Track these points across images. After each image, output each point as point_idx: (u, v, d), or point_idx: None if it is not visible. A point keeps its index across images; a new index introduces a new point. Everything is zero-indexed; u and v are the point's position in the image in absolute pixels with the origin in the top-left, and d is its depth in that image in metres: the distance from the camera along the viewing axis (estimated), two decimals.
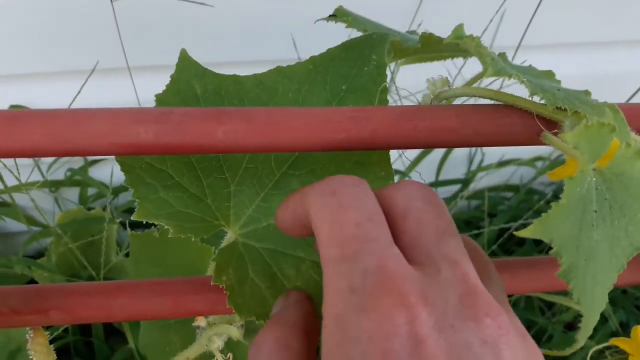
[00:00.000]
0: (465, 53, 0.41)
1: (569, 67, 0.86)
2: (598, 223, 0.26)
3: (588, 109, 0.30)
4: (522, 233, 0.23)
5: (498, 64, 0.30)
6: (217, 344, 0.39)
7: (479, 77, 0.35)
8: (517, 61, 0.81)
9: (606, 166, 0.27)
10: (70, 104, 0.64)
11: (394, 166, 0.88)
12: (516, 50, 0.72)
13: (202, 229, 0.34)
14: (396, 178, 0.95)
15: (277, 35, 0.66)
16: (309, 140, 0.30)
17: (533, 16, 0.67)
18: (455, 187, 1.00)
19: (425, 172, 0.94)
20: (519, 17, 0.74)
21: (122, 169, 0.34)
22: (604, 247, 0.26)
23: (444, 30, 0.73)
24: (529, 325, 0.97)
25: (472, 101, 0.34)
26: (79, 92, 0.62)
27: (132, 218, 0.33)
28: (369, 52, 0.36)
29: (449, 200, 0.97)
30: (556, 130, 0.31)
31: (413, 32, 0.48)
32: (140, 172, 0.34)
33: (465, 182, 0.97)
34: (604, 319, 0.95)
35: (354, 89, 0.36)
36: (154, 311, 0.34)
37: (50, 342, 0.91)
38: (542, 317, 0.96)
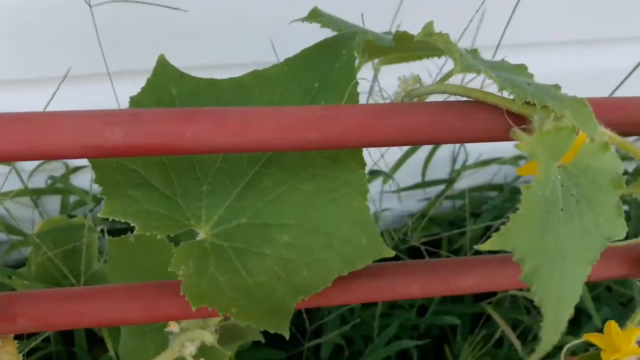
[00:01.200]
0: (439, 52, 0.41)
1: (554, 65, 0.87)
2: (565, 220, 0.26)
3: (557, 103, 0.31)
4: (483, 247, 0.23)
5: (467, 60, 0.30)
6: (190, 349, 0.38)
7: (451, 74, 0.35)
8: (499, 59, 0.82)
9: (571, 162, 0.27)
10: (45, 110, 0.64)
11: (377, 167, 0.88)
12: (496, 48, 0.72)
13: (169, 228, 0.34)
14: (379, 180, 0.94)
15: (255, 39, 0.65)
16: (281, 139, 0.30)
17: (512, 16, 0.68)
18: (441, 187, 1.01)
19: (410, 172, 0.94)
20: (501, 16, 0.75)
21: (93, 168, 0.34)
22: (573, 243, 0.26)
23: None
24: (514, 325, 0.97)
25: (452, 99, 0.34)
26: (51, 98, 0.62)
27: (98, 215, 0.32)
28: (339, 49, 0.36)
29: (434, 200, 0.97)
30: (524, 126, 0.31)
31: (389, 33, 0.48)
32: (110, 170, 0.34)
33: (449, 182, 0.97)
34: (588, 316, 0.95)
35: (326, 86, 0.36)
36: (125, 316, 0.34)
37: (31, 352, 0.89)
38: (528, 316, 0.97)
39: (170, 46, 0.74)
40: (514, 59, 0.82)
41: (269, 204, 0.35)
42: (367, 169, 0.83)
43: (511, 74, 0.36)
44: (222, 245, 0.34)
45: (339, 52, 0.36)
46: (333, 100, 0.36)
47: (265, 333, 0.76)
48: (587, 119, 0.30)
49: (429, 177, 0.99)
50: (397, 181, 0.94)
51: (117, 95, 0.72)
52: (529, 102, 0.31)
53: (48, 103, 0.62)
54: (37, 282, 0.78)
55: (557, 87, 0.34)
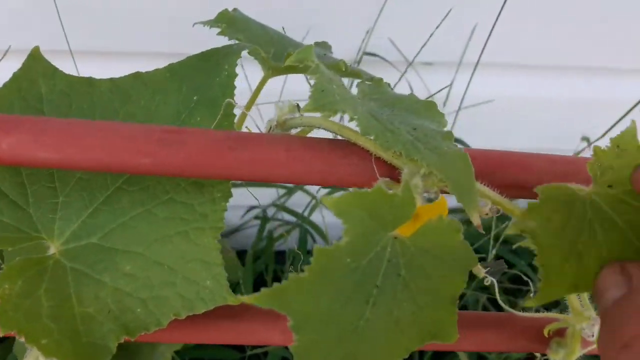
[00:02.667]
0: None
1: (555, 90, 0.80)
2: (378, 300, 0.21)
3: (430, 157, 0.26)
4: (245, 298, 0.19)
5: (325, 97, 0.26)
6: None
7: None
8: (490, 78, 0.75)
9: (411, 237, 0.23)
10: None
11: None
12: (475, 67, 0.66)
13: (11, 240, 0.31)
14: None
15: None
16: (107, 160, 0.27)
17: (490, 33, 0.62)
18: None
19: None
20: (502, 33, 0.69)
21: None
22: (379, 328, 0.21)
23: (406, 38, 0.67)
24: None
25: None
26: None
27: None
28: (222, 63, 0.33)
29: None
30: (388, 178, 0.27)
31: (323, 44, 0.44)
32: None
33: None
34: None
35: (204, 101, 0.33)
36: None
37: None
38: None
39: (145, 29, 0.72)
40: (509, 79, 0.75)
41: (122, 226, 0.32)
42: None
43: (409, 113, 0.31)
44: (65, 265, 0.31)
45: (221, 66, 0.33)
46: (209, 118, 0.32)
47: None
48: (464, 181, 0.26)
49: None
50: None
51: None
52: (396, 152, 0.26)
53: None
54: None
55: (447, 136, 0.29)
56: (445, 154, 0.27)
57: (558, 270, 0.26)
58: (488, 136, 0.76)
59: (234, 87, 0.32)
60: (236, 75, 0.32)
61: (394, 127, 0.28)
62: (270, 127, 0.30)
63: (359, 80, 0.33)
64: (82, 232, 0.32)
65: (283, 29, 0.63)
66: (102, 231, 0.32)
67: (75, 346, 0.28)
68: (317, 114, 0.30)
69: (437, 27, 0.59)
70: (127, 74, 0.36)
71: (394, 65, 0.66)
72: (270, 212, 0.83)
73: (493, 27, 0.59)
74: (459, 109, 0.69)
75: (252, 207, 0.84)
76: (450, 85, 0.69)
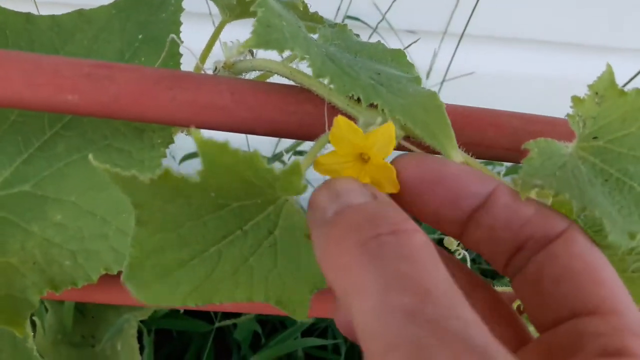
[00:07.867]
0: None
1: (541, 66, 0.78)
2: (237, 241, 0.22)
3: (392, 102, 0.23)
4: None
5: (271, 33, 0.23)
6: None
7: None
8: (475, 50, 0.72)
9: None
10: None
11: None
12: (460, 38, 0.63)
13: None
14: None
15: None
16: (27, 96, 0.24)
17: (476, 5, 0.59)
18: None
19: None
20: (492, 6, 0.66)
21: None
22: (229, 264, 0.22)
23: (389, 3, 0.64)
24: None
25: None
26: None
27: None
28: None
29: None
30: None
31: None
32: None
33: None
34: None
35: (149, 40, 0.30)
36: None
37: None
38: None
39: None
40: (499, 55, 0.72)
41: (55, 174, 0.29)
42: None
43: (373, 60, 0.29)
44: None
45: (168, 1, 0.30)
46: (154, 58, 0.30)
47: None
48: (434, 121, 0.23)
49: None
50: None
51: None
52: (354, 97, 0.24)
53: None
54: None
55: (416, 80, 0.26)
56: (411, 96, 0.24)
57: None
58: None
59: (180, 23, 0.29)
60: (182, 10, 0.29)
61: (353, 70, 0.25)
62: (217, 69, 0.27)
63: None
64: (14, 179, 0.30)
65: None
66: (35, 178, 0.29)
67: None
68: (270, 57, 0.28)
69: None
70: None
71: (376, 31, 0.64)
72: None
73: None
74: (443, 80, 0.66)
75: None
76: (435, 56, 0.66)
